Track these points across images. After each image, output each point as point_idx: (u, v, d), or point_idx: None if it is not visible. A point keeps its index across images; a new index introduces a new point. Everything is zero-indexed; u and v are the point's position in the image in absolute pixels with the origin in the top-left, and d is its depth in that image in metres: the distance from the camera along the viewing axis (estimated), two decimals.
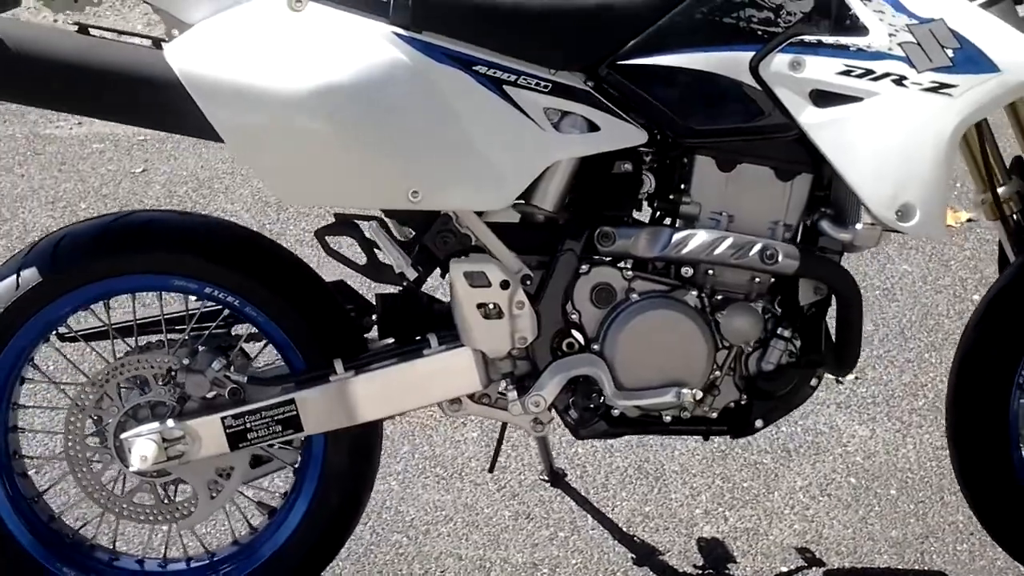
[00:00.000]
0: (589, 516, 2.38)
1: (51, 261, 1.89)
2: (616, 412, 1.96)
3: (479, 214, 1.90)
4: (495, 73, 1.84)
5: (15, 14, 1.94)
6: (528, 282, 1.92)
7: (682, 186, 1.94)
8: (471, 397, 1.97)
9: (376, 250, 1.93)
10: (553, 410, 1.96)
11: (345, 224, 1.92)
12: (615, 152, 1.90)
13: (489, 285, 1.90)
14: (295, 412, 1.91)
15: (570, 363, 1.93)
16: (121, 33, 1.84)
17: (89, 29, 1.82)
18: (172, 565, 2.05)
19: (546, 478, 2.47)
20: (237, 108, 1.75)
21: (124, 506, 1.97)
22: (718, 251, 1.90)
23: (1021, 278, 2.04)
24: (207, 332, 1.95)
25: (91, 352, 2.06)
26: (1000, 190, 2.04)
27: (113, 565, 2.02)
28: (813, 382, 2.01)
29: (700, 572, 2.24)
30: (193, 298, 1.94)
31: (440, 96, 1.81)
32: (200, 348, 1.93)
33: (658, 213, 1.97)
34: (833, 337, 2.04)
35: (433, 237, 1.91)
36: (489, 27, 1.86)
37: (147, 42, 1.84)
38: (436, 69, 1.82)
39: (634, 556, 2.27)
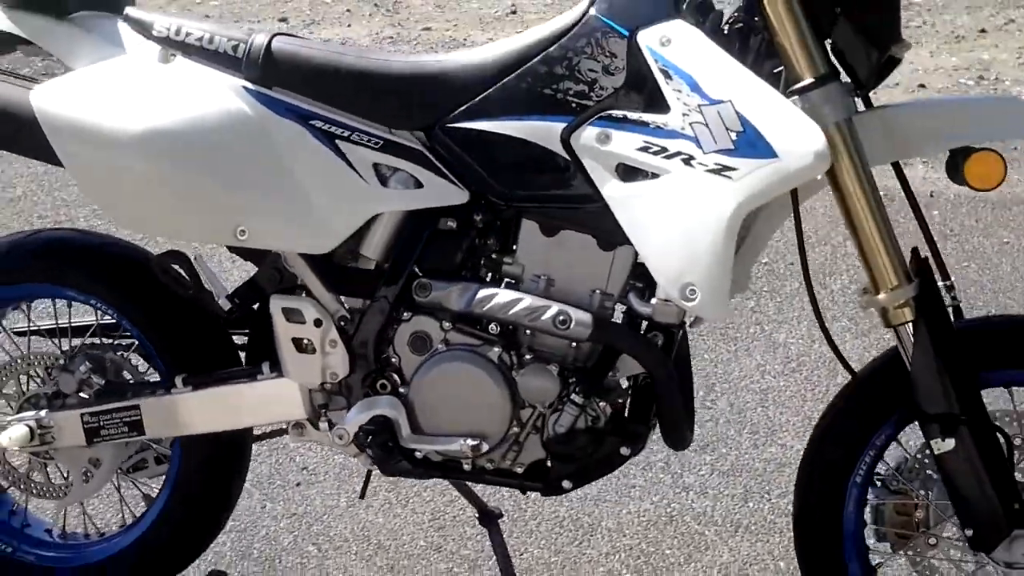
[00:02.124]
0: (493, 559, 2.44)
1: None
2: (419, 454, 2.04)
3: (304, 256, 2.04)
4: (330, 128, 1.97)
5: None
6: (344, 323, 2.04)
7: (512, 247, 2.00)
8: (313, 425, 2.12)
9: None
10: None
11: (177, 254, 2.11)
12: (441, 209, 1.99)
13: (304, 322, 2.03)
14: (139, 417, 2.13)
15: (372, 403, 2.02)
16: (18, 76, 2.13)
17: None
18: (70, 538, 2.34)
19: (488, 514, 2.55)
20: (80, 145, 1.98)
21: (23, 482, 2.27)
22: (513, 311, 1.94)
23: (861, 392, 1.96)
24: (90, 338, 2.21)
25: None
26: (893, 293, 1.82)
27: (24, 531, 2.33)
28: (624, 451, 2.00)
29: None
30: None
31: (274, 145, 1.97)
32: (77, 352, 2.19)
33: (486, 272, 2.03)
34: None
35: (263, 273, 2.08)
36: (332, 86, 1.99)
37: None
38: (274, 120, 1.98)
39: None
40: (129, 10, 2.09)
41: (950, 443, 1.82)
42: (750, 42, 1.89)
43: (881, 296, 1.83)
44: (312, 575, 2.39)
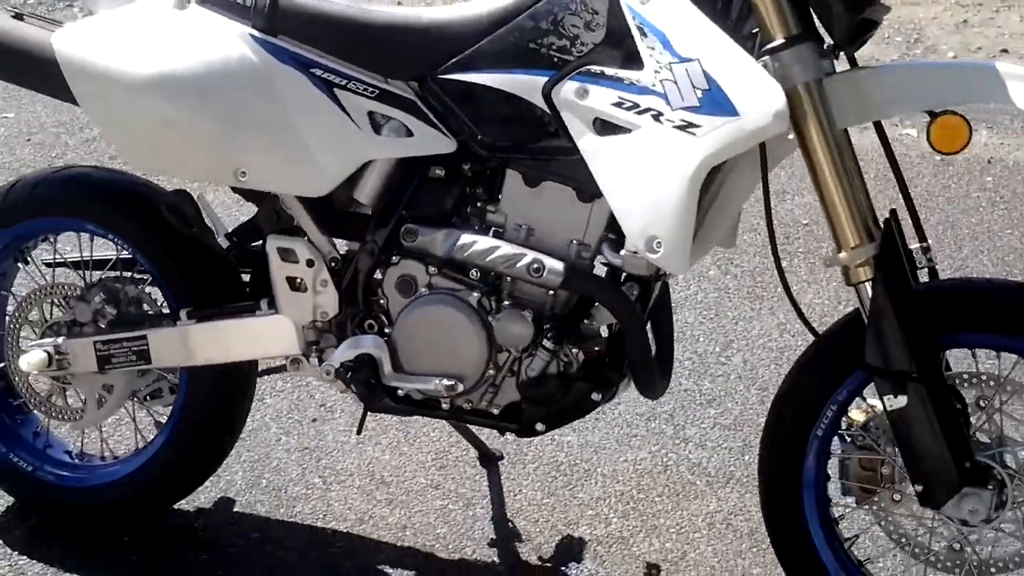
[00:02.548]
0: (488, 498, 2.54)
1: (15, 192, 2.35)
2: (401, 392, 2.14)
3: (301, 199, 2.15)
4: (328, 76, 2.07)
5: None
6: (335, 264, 2.14)
7: (497, 197, 2.08)
8: (308, 359, 2.23)
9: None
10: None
11: (183, 194, 2.23)
12: (431, 158, 2.08)
13: (297, 261, 2.14)
14: (146, 347, 2.26)
15: (358, 341, 2.12)
16: (46, 20, 2.26)
17: (23, 16, 2.25)
18: (87, 460, 2.48)
19: (488, 456, 2.66)
20: (94, 85, 2.10)
21: (44, 404, 2.42)
22: (490, 258, 2.03)
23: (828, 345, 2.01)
24: (110, 271, 2.35)
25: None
26: (853, 251, 1.86)
27: (46, 451, 2.48)
28: (595, 396, 2.08)
29: (538, 568, 2.36)
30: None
31: (275, 92, 2.07)
32: (94, 284, 2.33)
33: (472, 220, 2.11)
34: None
35: (262, 213, 2.19)
36: (333, 35, 2.09)
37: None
38: (277, 67, 2.08)
39: (493, 539, 2.41)
40: None
41: (902, 400, 1.86)
42: (732, 2, 1.93)
43: (842, 255, 1.88)
44: (315, 506, 2.51)
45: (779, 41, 1.83)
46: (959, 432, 1.88)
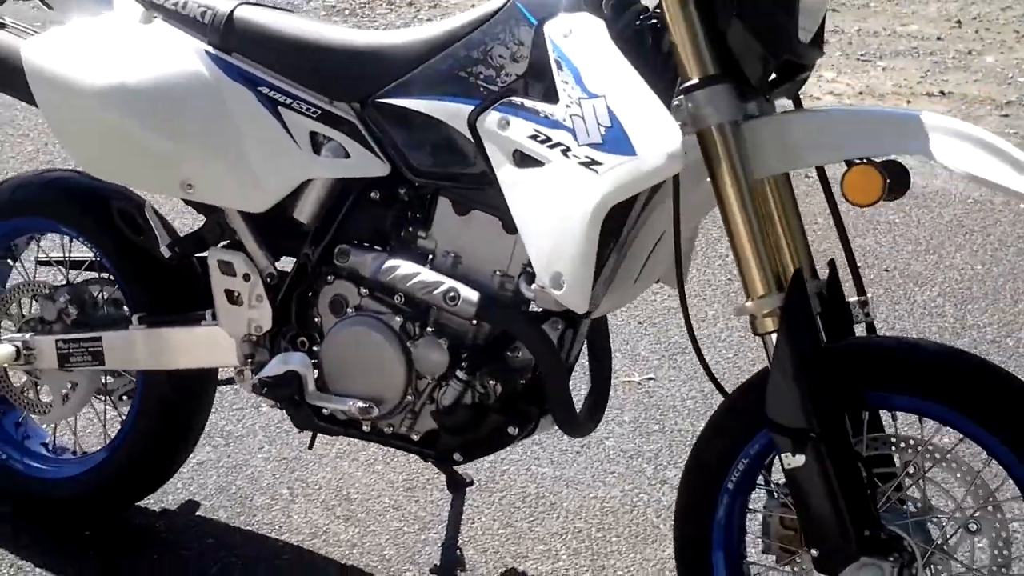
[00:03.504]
0: (444, 523, 2.52)
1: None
2: (326, 411, 2.14)
3: (243, 214, 2.17)
4: (275, 95, 2.11)
5: None
6: (270, 279, 2.16)
7: (429, 223, 2.07)
8: (243, 372, 2.25)
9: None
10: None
11: (133, 201, 2.28)
12: (368, 181, 2.09)
13: (235, 275, 2.17)
14: (101, 348, 2.32)
15: (287, 357, 2.13)
16: (24, 28, 2.34)
17: (4, 24, 2.34)
18: (60, 453, 2.56)
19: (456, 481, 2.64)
20: (52, 92, 2.17)
21: (17, 397, 2.50)
22: (410, 283, 2.02)
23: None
24: (86, 272, 2.42)
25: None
26: (759, 301, 1.78)
27: (24, 442, 2.56)
28: (511, 430, 2.04)
29: None
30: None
31: (225, 108, 2.11)
32: (61, 285, 2.40)
33: (404, 244, 2.09)
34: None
35: (208, 225, 2.22)
36: (282, 55, 2.13)
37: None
38: (227, 84, 2.12)
39: (435, 564, 2.39)
40: None
41: (800, 459, 1.78)
42: (663, 38, 1.88)
43: (748, 303, 1.82)
44: (275, 516, 2.53)
45: (693, 81, 1.78)
46: (862, 497, 1.79)
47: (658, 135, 1.75)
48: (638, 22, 1.88)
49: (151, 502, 2.55)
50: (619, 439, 2.77)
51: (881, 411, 1.90)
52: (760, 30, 1.78)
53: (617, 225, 1.93)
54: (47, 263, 2.49)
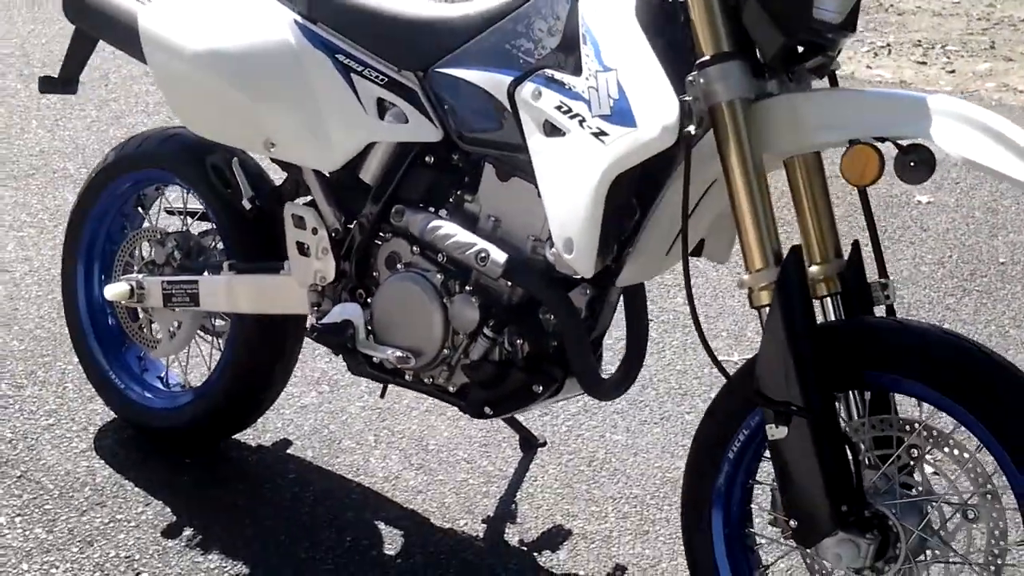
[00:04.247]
0: (510, 478, 2.64)
1: (123, 149, 2.71)
2: (376, 359, 2.29)
3: (316, 172, 2.34)
4: (348, 62, 2.27)
5: None
6: (335, 234, 2.32)
7: (476, 187, 2.19)
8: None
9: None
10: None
11: (225, 156, 2.47)
12: (425, 146, 2.23)
13: (305, 228, 2.34)
14: (197, 291, 2.54)
15: (344, 308, 2.29)
16: None
17: None
18: (172, 385, 2.81)
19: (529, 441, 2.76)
20: (160, 54, 2.40)
21: (135, 333, 2.76)
22: (448, 243, 2.15)
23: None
24: (199, 222, 2.65)
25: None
26: (755, 275, 1.83)
27: (142, 375, 2.82)
28: (535, 387, 2.14)
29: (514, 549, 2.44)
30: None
31: (305, 73, 2.29)
32: (170, 231, 2.64)
33: (453, 206, 2.22)
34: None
35: (287, 182, 2.40)
36: (359, 25, 2.29)
37: None
38: (309, 51, 2.30)
39: (489, 516, 2.52)
40: None
41: (783, 431, 1.82)
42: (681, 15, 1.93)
43: (746, 276, 1.86)
44: (355, 460, 2.71)
45: (706, 57, 1.84)
46: (843, 473, 1.82)
47: (657, 108, 1.82)
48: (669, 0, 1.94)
49: (250, 437, 2.77)
50: (700, 415, 2.80)
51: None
52: (775, 8, 1.82)
53: (647, 195, 2.00)
54: (171, 212, 2.73)
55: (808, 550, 1.89)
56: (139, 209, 2.79)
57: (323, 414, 2.88)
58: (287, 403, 2.90)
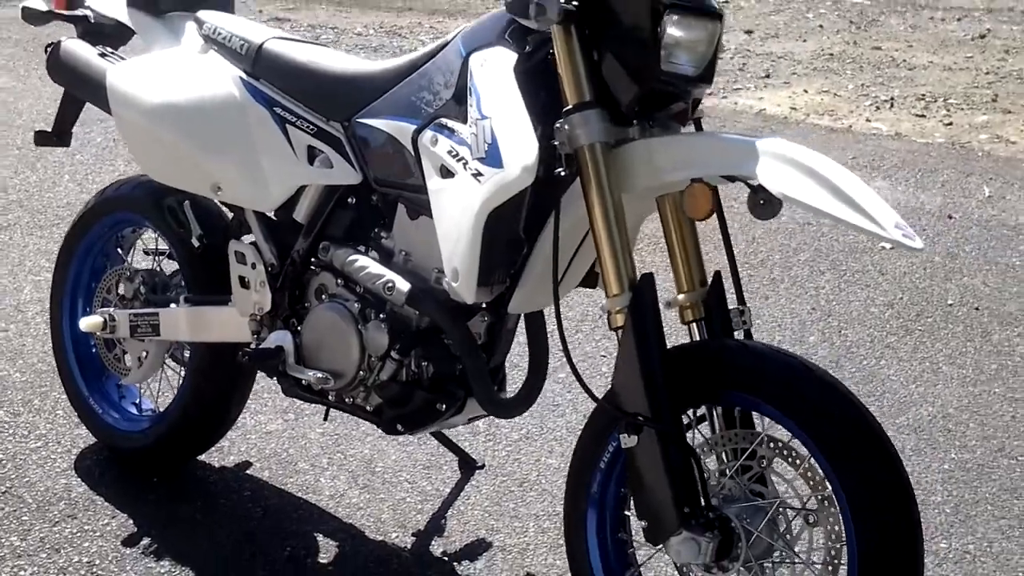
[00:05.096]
0: (444, 498, 2.86)
1: (103, 194, 3.00)
2: (304, 381, 2.53)
3: (256, 213, 2.60)
4: (284, 114, 2.54)
5: None
6: (271, 269, 2.58)
7: (391, 225, 2.44)
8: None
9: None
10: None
11: (180, 199, 2.74)
12: (348, 188, 2.48)
13: (245, 263, 2.60)
14: (158, 322, 2.80)
15: (277, 335, 2.54)
16: (116, 55, 2.87)
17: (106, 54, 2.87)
18: (144, 410, 3.07)
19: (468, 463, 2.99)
20: (121, 106, 2.69)
21: (110, 361, 3.03)
22: (362, 274, 2.39)
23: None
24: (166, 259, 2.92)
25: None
26: (612, 299, 2.06)
27: (120, 401, 3.09)
28: (439, 406, 2.36)
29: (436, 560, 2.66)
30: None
31: (248, 125, 2.56)
32: (138, 269, 2.91)
33: (372, 243, 2.46)
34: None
35: (232, 222, 2.67)
36: (294, 81, 2.55)
37: None
38: (250, 105, 2.57)
39: (419, 530, 2.74)
40: (200, 12, 2.74)
41: (633, 440, 2.03)
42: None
43: (605, 301, 2.08)
44: (306, 480, 2.95)
45: (570, 106, 2.07)
46: (687, 478, 2.02)
47: (518, 150, 2.06)
48: (549, 55, 2.18)
49: (215, 459, 3.02)
50: None
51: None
52: (628, 62, 2.05)
53: (535, 229, 2.23)
54: (147, 252, 3.01)
55: (656, 547, 2.09)
56: (118, 249, 3.07)
57: (285, 439, 3.13)
58: (254, 429, 3.16)
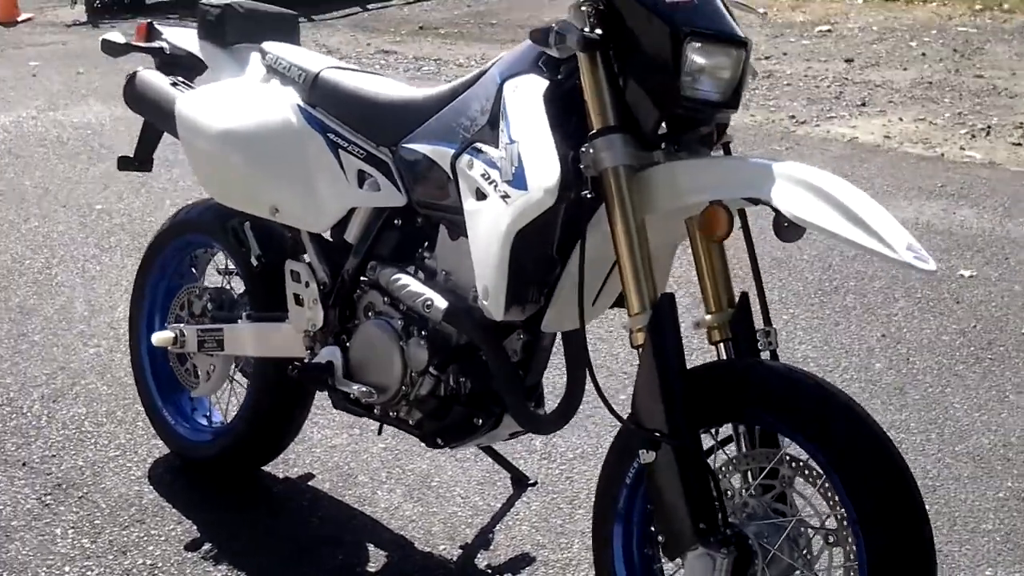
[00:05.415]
0: (494, 513, 2.93)
1: (175, 217, 3.16)
2: (352, 395, 2.62)
3: (310, 234, 2.72)
4: (337, 140, 2.65)
5: None
6: (323, 287, 2.69)
7: (433, 246, 2.53)
8: None
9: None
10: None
11: (241, 220, 2.86)
12: (395, 210, 2.58)
13: (300, 282, 2.72)
14: (222, 337, 2.93)
15: (328, 351, 2.65)
16: (187, 84, 3.01)
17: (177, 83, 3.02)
18: (214, 422, 3.20)
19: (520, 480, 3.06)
20: (188, 132, 2.84)
21: (181, 375, 3.17)
22: (403, 292, 2.49)
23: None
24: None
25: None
26: (633, 318, 2.12)
27: (192, 413, 3.23)
28: (476, 420, 2.45)
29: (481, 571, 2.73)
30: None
31: (304, 151, 2.68)
32: (206, 287, 3.05)
33: (417, 263, 2.56)
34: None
35: (288, 242, 2.79)
36: (346, 108, 2.67)
37: None
38: (307, 131, 2.69)
39: (467, 543, 2.82)
40: (264, 43, 2.88)
41: (652, 455, 2.08)
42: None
43: (626, 319, 2.14)
44: (363, 492, 3.05)
45: (594, 131, 2.14)
46: (704, 494, 2.06)
47: (542, 173, 2.14)
48: (578, 82, 2.24)
49: (280, 470, 3.14)
50: None
51: None
52: (649, 88, 2.12)
53: (568, 249, 2.30)
54: (219, 272, 3.15)
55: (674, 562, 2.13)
56: (192, 269, 3.22)
57: (347, 453, 3.24)
58: (319, 442, 3.27)
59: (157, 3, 11.41)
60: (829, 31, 9.49)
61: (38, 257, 4.75)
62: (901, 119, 6.79)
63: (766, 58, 8.50)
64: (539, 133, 2.18)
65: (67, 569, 2.75)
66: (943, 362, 3.66)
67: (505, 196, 2.21)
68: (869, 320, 3.97)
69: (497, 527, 2.89)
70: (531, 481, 3.05)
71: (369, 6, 11.19)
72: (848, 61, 8.41)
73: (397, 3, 11.39)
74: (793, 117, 6.87)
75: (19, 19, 10.55)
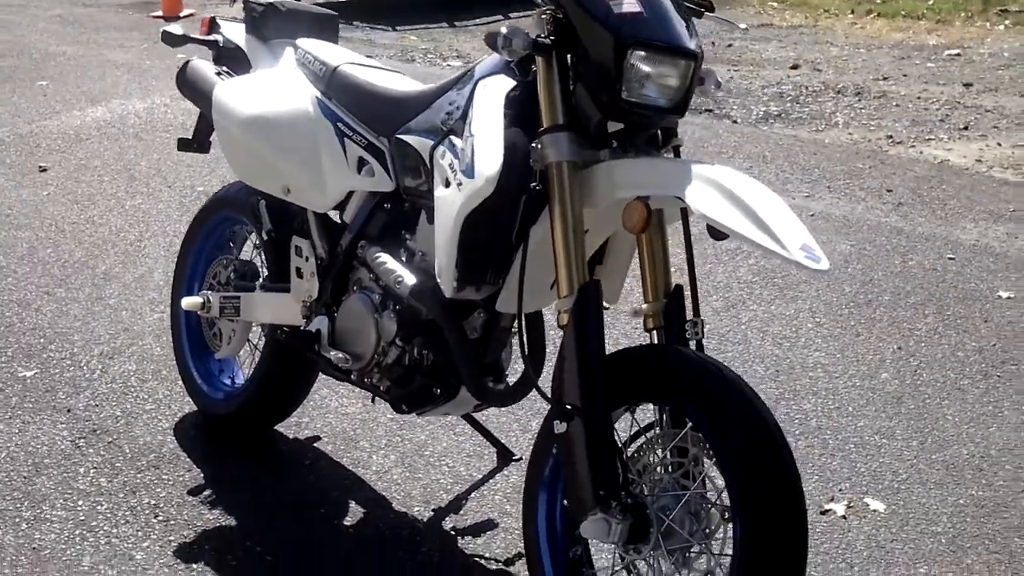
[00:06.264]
0: (472, 483, 3.14)
1: (215, 195, 3.44)
2: (333, 360, 2.84)
3: (315, 213, 2.96)
4: (344, 129, 2.89)
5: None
6: (320, 262, 2.93)
7: (415, 228, 2.75)
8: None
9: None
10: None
11: (257, 199, 3.12)
12: (385, 194, 2.81)
13: (301, 256, 2.96)
14: (239, 304, 3.20)
15: (318, 320, 2.89)
16: (230, 73, 3.28)
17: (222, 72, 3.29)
18: (237, 381, 3.47)
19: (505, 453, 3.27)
20: (220, 116, 3.11)
21: (208, 338, 3.45)
22: (380, 270, 2.71)
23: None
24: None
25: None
26: (561, 301, 2.30)
27: (219, 374, 3.50)
28: (436, 390, 2.65)
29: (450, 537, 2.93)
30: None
31: (314, 136, 2.93)
32: (232, 258, 3.32)
33: (400, 243, 2.78)
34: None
35: (296, 219, 3.03)
36: (354, 100, 2.91)
37: None
38: (320, 120, 2.94)
39: (440, 507, 3.04)
40: (300, 39, 3.14)
41: (563, 426, 2.26)
42: None
43: (555, 302, 2.33)
44: (360, 456, 3.29)
45: (543, 128, 2.33)
46: (608, 464, 2.23)
47: (486, 164, 2.34)
48: None
49: (291, 430, 3.40)
50: None
51: None
52: (592, 92, 2.31)
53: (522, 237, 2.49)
54: (254, 246, 3.43)
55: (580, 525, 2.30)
56: (230, 243, 3.50)
57: (357, 421, 3.48)
58: (333, 410, 3.53)
59: None
60: (958, 55, 9.36)
61: (132, 230, 5.11)
62: (1000, 144, 6.74)
63: (884, 79, 8.46)
64: (492, 128, 2.38)
65: (80, 503, 3.04)
66: (949, 376, 3.72)
67: (460, 184, 2.42)
68: (891, 333, 4.04)
69: (472, 495, 3.09)
70: (516, 456, 3.24)
71: (512, 14, 11.41)
72: (967, 85, 8.32)
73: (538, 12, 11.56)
74: (891, 137, 6.88)
75: (182, 14, 11.01)
